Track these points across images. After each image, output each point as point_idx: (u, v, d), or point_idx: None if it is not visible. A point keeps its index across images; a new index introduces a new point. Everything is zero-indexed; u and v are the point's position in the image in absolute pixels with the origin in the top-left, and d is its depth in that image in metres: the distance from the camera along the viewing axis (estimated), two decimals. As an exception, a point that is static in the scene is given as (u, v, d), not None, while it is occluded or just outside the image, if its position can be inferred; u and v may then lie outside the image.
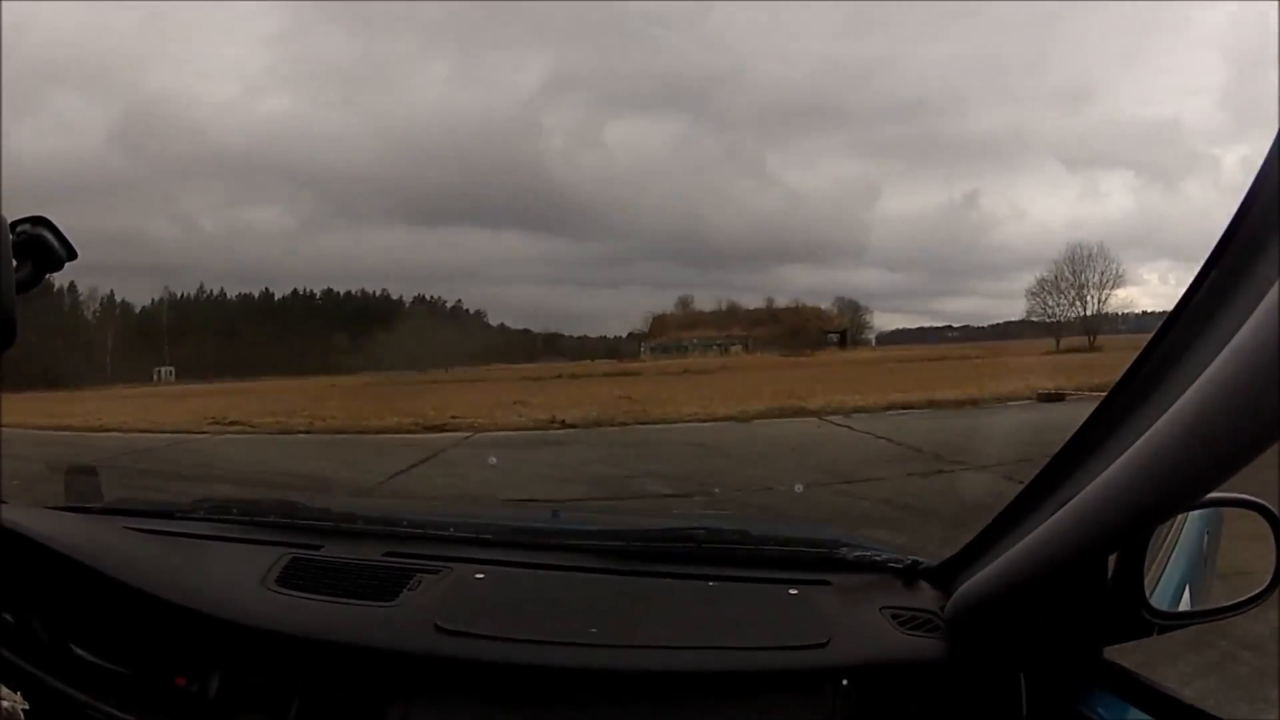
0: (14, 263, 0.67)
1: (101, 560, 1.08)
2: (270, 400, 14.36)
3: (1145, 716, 0.84)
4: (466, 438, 10.01)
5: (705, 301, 28.85)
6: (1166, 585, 0.94)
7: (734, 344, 27.41)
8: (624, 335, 28.78)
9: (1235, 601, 0.95)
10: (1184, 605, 0.96)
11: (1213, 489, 0.61)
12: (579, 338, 29.31)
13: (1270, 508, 0.94)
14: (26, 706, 1.01)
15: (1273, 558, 0.92)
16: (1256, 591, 0.94)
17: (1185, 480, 0.60)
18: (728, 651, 0.97)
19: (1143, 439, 0.61)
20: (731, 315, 28.18)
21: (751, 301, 28.71)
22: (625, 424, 11.04)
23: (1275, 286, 0.49)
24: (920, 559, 1.15)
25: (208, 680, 1.01)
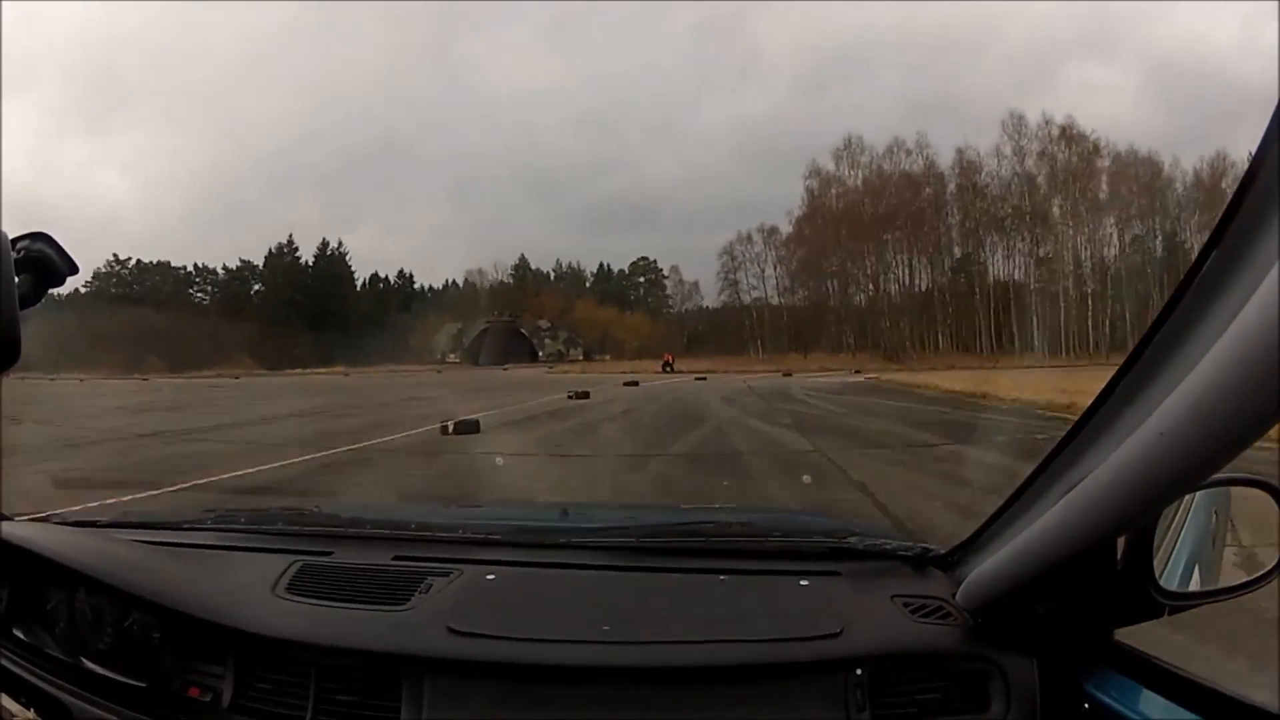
0: (16, 279, 0.67)
1: (111, 573, 1.09)
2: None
3: (1157, 697, 0.84)
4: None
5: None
6: (1176, 566, 0.94)
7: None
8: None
9: (1245, 580, 0.95)
10: (1194, 585, 0.96)
11: (1220, 469, 0.61)
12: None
13: (1278, 486, 0.94)
14: None
15: None
16: (1266, 569, 0.93)
17: (1192, 461, 0.60)
18: (741, 644, 0.97)
19: (1149, 421, 0.61)
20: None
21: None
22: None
23: (1277, 266, 0.49)
24: (930, 546, 1.15)
25: (221, 690, 1.02)
